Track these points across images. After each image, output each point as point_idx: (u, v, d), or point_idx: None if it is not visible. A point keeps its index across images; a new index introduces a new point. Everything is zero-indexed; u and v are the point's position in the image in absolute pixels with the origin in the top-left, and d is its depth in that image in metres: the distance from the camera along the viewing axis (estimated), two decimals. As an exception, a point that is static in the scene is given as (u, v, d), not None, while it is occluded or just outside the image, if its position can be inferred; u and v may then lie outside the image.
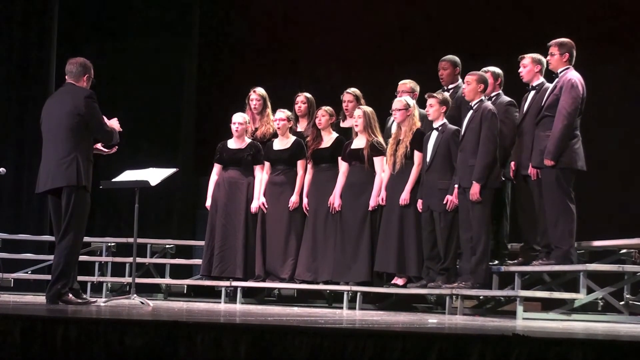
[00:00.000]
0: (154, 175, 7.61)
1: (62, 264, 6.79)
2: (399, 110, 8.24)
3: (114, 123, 7.10)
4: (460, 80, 8.34)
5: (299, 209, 8.88)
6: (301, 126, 9.23)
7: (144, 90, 11.63)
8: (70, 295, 6.81)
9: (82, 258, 8.21)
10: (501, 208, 8.07)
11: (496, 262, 7.94)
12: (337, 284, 8.60)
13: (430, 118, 8.06)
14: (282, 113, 8.98)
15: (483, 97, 7.78)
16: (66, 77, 7.00)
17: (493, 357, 3.82)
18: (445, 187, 7.89)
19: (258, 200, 9.00)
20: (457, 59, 8.53)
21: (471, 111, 7.77)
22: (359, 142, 8.58)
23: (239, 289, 9.02)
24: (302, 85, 9.48)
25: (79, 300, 6.86)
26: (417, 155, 8.16)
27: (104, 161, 8.02)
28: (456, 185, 7.81)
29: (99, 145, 7.14)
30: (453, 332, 4.51)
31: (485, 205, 7.64)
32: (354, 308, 8.40)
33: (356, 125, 8.55)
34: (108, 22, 11.91)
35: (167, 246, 10.40)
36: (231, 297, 9.12)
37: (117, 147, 7.22)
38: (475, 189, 7.60)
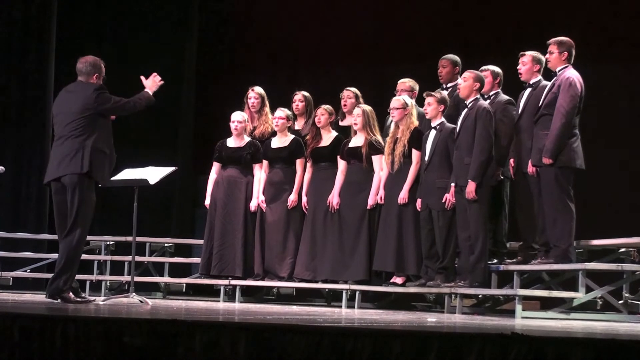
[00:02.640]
0: (153, 174, 7.61)
1: (65, 259, 6.83)
2: (397, 109, 8.24)
3: (150, 83, 7.22)
4: (459, 79, 8.33)
5: (297, 207, 8.87)
6: (298, 125, 9.21)
7: (142, 89, 11.59)
8: (70, 293, 6.82)
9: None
10: (500, 206, 8.05)
11: (495, 260, 7.93)
12: (336, 282, 8.59)
13: (428, 117, 8.05)
14: (282, 112, 8.97)
15: (478, 96, 7.77)
16: (78, 75, 7.08)
17: (492, 356, 3.81)
18: (444, 186, 7.88)
19: (257, 199, 9.00)
20: (457, 58, 8.53)
21: (466, 109, 7.77)
22: (357, 140, 8.57)
23: (237, 288, 9.02)
24: (301, 84, 9.46)
25: (78, 299, 6.87)
26: (415, 154, 8.16)
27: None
28: (453, 184, 7.81)
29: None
30: (452, 331, 4.51)
31: (482, 203, 7.63)
32: (352, 307, 8.39)
33: (355, 124, 8.55)
34: (107, 22, 11.90)
35: (166, 245, 10.40)
36: (230, 296, 9.12)
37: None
38: (471, 187, 7.59)
